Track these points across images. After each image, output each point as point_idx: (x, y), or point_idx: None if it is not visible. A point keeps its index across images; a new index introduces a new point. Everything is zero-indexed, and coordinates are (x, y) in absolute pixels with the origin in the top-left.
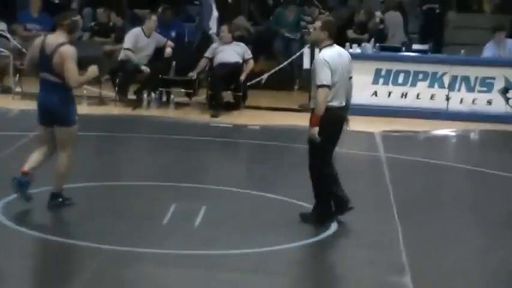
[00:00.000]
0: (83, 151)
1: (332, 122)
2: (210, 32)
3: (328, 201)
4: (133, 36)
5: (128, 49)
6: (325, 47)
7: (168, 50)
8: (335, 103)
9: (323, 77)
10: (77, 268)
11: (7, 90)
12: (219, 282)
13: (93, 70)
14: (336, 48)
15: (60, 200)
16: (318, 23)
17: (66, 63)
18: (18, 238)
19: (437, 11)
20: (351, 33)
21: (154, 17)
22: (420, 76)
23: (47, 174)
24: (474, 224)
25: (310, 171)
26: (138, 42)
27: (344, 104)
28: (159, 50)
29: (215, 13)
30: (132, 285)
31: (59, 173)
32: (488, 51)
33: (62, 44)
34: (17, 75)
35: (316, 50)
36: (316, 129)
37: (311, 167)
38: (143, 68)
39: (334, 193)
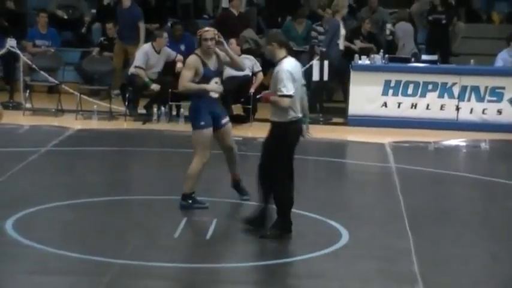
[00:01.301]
0: (94, 165)
1: (295, 135)
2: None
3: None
4: (144, 54)
5: (139, 67)
6: (282, 59)
7: (179, 65)
8: (298, 114)
9: (290, 87)
10: (90, 282)
11: (18, 107)
12: None
13: (213, 87)
14: (293, 59)
15: (190, 201)
16: (267, 41)
17: (182, 69)
18: (30, 253)
19: (444, 21)
20: (358, 43)
21: (165, 35)
22: (430, 87)
23: (60, 189)
24: (485, 234)
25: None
26: (149, 59)
27: (301, 113)
28: (168, 64)
29: (343, 31)
30: None
31: (187, 175)
32: (502, 60)
33: (190, 54)
34: (27, 91)
35: (325, 62)
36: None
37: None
38: (153, 86)
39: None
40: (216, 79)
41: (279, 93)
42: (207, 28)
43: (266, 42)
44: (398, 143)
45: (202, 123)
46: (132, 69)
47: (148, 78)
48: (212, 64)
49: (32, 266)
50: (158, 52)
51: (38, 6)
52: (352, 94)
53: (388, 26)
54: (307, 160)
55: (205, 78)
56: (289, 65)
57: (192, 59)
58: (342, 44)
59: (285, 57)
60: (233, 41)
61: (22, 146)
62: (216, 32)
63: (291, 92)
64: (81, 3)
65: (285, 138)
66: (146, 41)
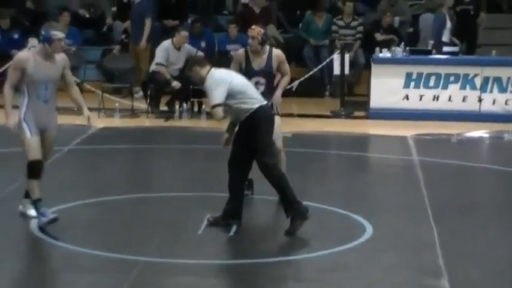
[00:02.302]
0: (117, 163)
1: (271, 116)
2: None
3: (294, 198)
4: (164, 50)
5: (160, 64)
6: (207, 74)
7: None
8: (262, 102)
9: (216, 95)
10: (115, 280)
11: None
12: None
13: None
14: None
15: None
16: (188, 72)
17: None
18: (55, 252)
19: (472, 12)
20: (378, 36)
21: (184, 33)
22: (451, 78)
23: (84, 188)
24: (510, 226)
25: (264, 171)
26: (169, 56)
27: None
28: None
29: (448, 24)
30: None
31: None
32: None
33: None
34: None
35: (346, 56)
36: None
37: (264, 165)
38: (174, 83)
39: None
40: (259, 79)
41: (211, 105)
42: (253, 26)
43: (188, 72)
44: (421, 135)
45: None
46: (153, 66)
47: (170, 75)
48: (257, 63)
49: (58, 264)
50: (178, 49)
51: (58, 5)
52: (373, 87)
53: (396, 18)
54: (330, 154)
55: (246, 75)
56: (211, 74)
57: (238, 53)
58: (447, 36)
59: (209, 70)
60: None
61: None
62: (260, 31)
63: (216, 101)
64: (102, 1)
65: (267, 120)
66: (165, 38)
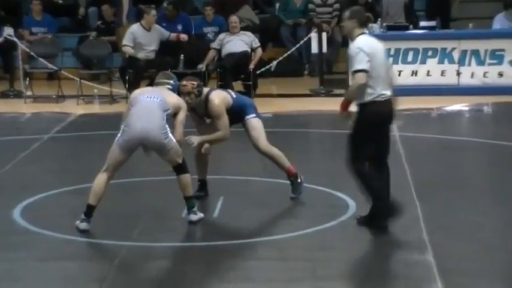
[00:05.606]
0: (98, 150)
1: (377, 117)
2: None
3: (378, 198)
4: (130, 33)
5: (124, 45)
6: (357, 36)
7: (183, 35)
8: (382, 92)
9: (358, 61)
10: (100, 266)
11: (18, 95)
12: (243, 271)
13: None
14: (370, 36)
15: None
16: (347, 13)
17: None
18: (40, 240)
19: None
20: None
21: (153, 12)
22: (429, 53)
23: (66, 175)
24: (494, 199)
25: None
26: (137, 38)
27: (389, 96)
28: (166, 44)
29: None
30: (156, 280)
31: None
32: (498, 23)
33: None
34: (27, 79)
35: (323, 34)
36: (345, 113)
37: (347, 160)
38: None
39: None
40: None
41: (352, 70)
42: (184, 82)
43: (347, 17)
44: (401, 111)
45: None
46: (123, 49)
47: (146, 59)
48: (201, 109)
49: (43, 252)
50: (148, 30)
51: None
52: None
53: None
54: (311, 133)
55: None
56: (361, 42)
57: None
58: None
59: (361, 34)
60: (235, 18)
61: (25, 134)
62: (193, 84)
63: (359, 67)
64: None
65: (363, 121)
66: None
